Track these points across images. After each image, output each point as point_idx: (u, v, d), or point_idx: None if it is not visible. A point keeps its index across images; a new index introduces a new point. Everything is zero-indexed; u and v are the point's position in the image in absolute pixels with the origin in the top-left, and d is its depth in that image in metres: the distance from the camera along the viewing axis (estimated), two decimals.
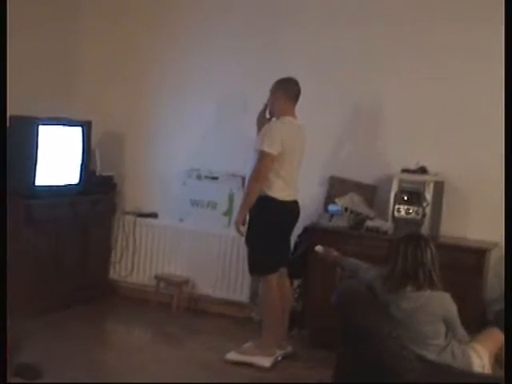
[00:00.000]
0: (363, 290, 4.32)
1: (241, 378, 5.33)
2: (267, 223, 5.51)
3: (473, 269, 5.65)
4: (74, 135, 6.50)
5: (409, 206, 5.88)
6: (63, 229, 6.42)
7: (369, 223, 6.02)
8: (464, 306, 4.31)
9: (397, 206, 5.92)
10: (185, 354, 5.78)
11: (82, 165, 6.58)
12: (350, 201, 6.19)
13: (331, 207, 6.18)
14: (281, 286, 5.68)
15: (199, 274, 6.83)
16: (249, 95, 6.56)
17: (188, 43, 6.93)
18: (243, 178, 5.98)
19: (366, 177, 6.33)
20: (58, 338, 5.76)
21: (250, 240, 5.60)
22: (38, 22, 6.66)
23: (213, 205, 6.77)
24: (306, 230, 6.18)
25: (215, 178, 6.73)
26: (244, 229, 5.55)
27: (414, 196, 5.88)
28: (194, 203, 6.85)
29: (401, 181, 5.93)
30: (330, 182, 6.41)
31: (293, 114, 5.62)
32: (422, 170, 5.97)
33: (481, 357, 4.22)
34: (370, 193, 6.32)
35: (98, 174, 6.86)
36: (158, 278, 6.87)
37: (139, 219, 7.04)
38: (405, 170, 6.00)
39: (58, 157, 6.37)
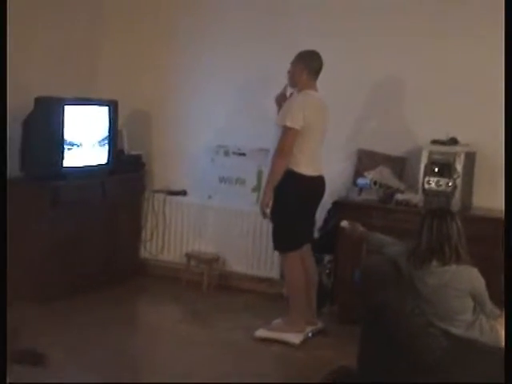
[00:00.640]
0: (386, 266, 4.25)
1: (269, 356, 5.31)
2: (291, 199, 5.43)
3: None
4: (100, 115, 6.48)
5: (439, 178, 5.78)
6: (92, 210, 6.42)
7: (399, 196, 5.93)
8: (494, 279, 4.20)
9: (427, 179, 5.81)
10: (214, 333, 5.76)
11: (110, 144, 6.56)
12: (379, 174, 6.10)
13: (360, 181, 6.11)
14: (304, 262, 5.62)
15: (229, 251, 6.82)
16: (272, 71, 6.45)
17: (211, 23, 6.88)
18: None
19: (395, 149, 6.24)
20: (87, 320, 5.76)
21: (274, 215, 5.52)
22: (65, 3, 6.64)
23: (241, 181, 6.73)
24: (335, 204, 6.11)
25: (243, 154, 6.67)
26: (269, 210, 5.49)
27: (444, 168, 5.77)
28: (223, 180, 6.81)
29: (431, 152, 5.82)
30: (358, 156, 6.33)
31: (314, 88, 5.53)
32: (453, 141, 5.85)
33: None
34: (400, 165, 6.22)
35: (126, 153, 6.84)
36: (189, 256, 6.85)
37: (168, 197, 7.02)
38: (435, 141, 5.88)
39: (85, 137, 6.34)
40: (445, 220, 4.13)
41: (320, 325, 5.76)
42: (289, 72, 5.57)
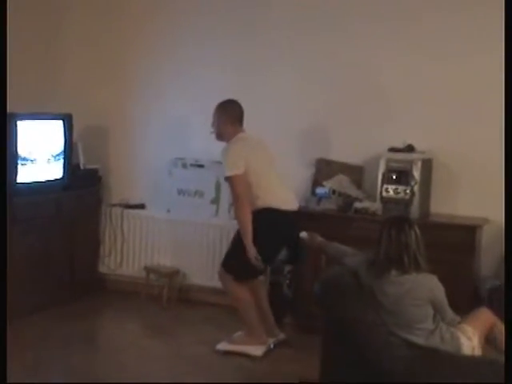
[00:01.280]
0: (347, 277, 4.22)
1: (232, 369, 5.27)
2: (261, 233, 5.36)
3: (465, 246, 5.59)
4: (54, 129, 6.39)
5: (397, 186, 5.79)
6: (49, 226, 6.33)
7: (357, 205, 5.94)
8: (456, 285, 4.24)
9: (385, 186, 5.83)
10: (177, 347, 5.70)
11: (64, 159, 6.47)
12: (338, 183, 6.11)
13: (319, 190, 6.11)
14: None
15: (189, 264, 6.76)
16: (229, 83, 6.53)
17: (169, 34, 6.84)
18: None
19: (353, 158, 6.24)
20: (44, 339, 5.69)
21: (238, 243, 5.45)
22: (21, 13, 6.54)
23: (200, 193, 6.67)
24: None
25: (201, 166, 6.62)
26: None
27: (402, 175, 5.79)
28: (181, 192, 6.75)
29: (388, 160, 5.83)
30: (316, 165, 6.32)
31: (241, 131, 5.55)
32: (410, 149, 5.87)
33: (470, 338, 4.10)
34: (358, 174, 6.23)
35: (82, 167, 6.75)
36: (148, 270, 6.79)
37: (126, 211, 6.95)
38: (392, 149, 5.89)
39: (39, 152, 6.25)
40: (403, 229, 4.12)
41: (281, 336, 5.73)
42: (212, 124, 5.57)
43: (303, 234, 5.02)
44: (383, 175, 5.83)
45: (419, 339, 4.03)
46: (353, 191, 6.07)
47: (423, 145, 5.89)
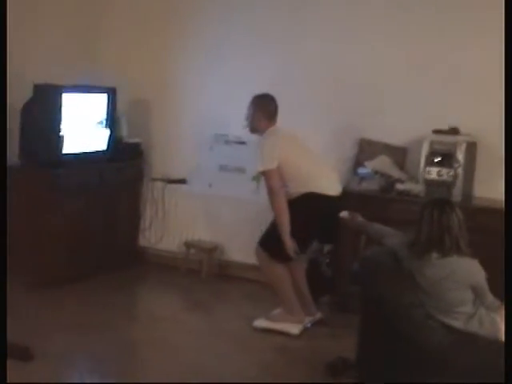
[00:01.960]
0: (386, 257, 4.20)
1: (269, 346, 5.28)
2: (302, 219, 5.36)
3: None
4: (99, 102, 6.45)
5: (440, 168, 5.74)
6: (91, 197, 6.40)
7: (399, 186, 5.90)
8: (495, 270, 4.14)
9: (428, 169, 5.78)
10: (213, 322, 5.74)
11: (109, 132, 6.52)
12: (380, 163, 6.06)
13: (361, 170, 6.08)
14: None
15: (228, 240, 6.81)
16: (271, 62, 6.57)
17: (211, 12, 6.84)
18: None
19: (396, 139, 6.19)
20: (84, 307, 5.76)
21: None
22: None
23: (241, 170, 6.69)
24: None
25: (243, 143, 6.63)
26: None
27: (445, 157, 5.74)
28: (223, 168, 6.78)
29: (432, 142, 5.78)
30: (359, 145, 6.28)
31: (274, 125, 5.55)
32: (454, 131, 5.81)
33: None
34: (401, 155, 6.18)
35: (124, 140, 6.80)
36: (188, 245, 6.83)
37: (168, 186, 6.99)
38: (436, 131, 5.83)
39: (84, 124, 6.31)
40: (445, 211, 4.08)
41: (319, 315, 5.73)
42: (247, 118, 5.59)
43: (344, 214, 5.01)
44: (426, 157, 5.78)
45: (457, 323, 4.00)
46: (395, 172, 6.03)
47: (468, 127, 5.82)
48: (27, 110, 5.97)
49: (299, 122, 6.17)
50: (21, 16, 5.91)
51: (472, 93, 5.96)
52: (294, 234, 5.36)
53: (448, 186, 5.70)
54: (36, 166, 6.04)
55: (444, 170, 5.72)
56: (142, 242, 7.12)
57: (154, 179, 7.04)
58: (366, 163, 6.06)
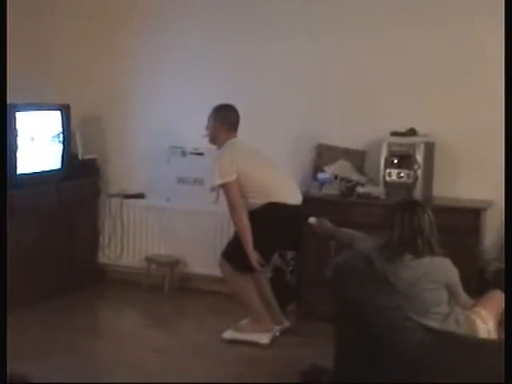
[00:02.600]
0: (358, 261, 4.17)
1: (239, 357, 5.23)
2: (265, 230, 5.35)
3: (469, 229, 5.58)
4: (53, 119, 6.35)
5: (400, 170, 5.77)
6: (48, 216, 6.30)
7: (360, 189, 5.91)
8: (461, 268, 4.17)
9: (388, 171, 5.80)
10: (180, 336, 5.67)
11: (63, 149, 6.43)
12: (340, 168, 6.07)
13: (321, 175, 6.07)
14: None
15: (190, 253, 6.73)
16: (228, 70, 6.56)
17: (163, 22, 6.77)
18: None
19: (355, 142, 6.20)
20: (46, 331, 5.64)
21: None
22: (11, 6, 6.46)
23: (200, 181, 6.64)
24: None
25: (200, 154, 6.58)
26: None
27: (404, 159, 5.76)
28: (181, 181, 6.72)
29: (390, 144, 5.81)
30: (318, 150, 6.27)
31: (235, 136, 5.54)
32: (412, 132, 5.84)
33: (485, 321, 4.09)
34: (360, 158, 6.19)
35: (80, 157, 6.70)
36: (149, 260, 6.74)
37: (125, 201, 6.91)
38: (394, 133, 5.86)
39: (38, 142, 6.20)
40: (416, 212, 4.08)
41: (287, 323, 5.70)
42: (207, 128, 5.56)
43: (312, 220, 4.99)
44: (386, 159, 5.80)
45: (435, 323, 3.99)
46: (355, 176, 6.04)
47: (425, 128, 5.86)
48: None
49: (257, 129, 6.17)
50: None
51: (429, 93, 6.00)
52: (258, 245, 5.34)
53: (408, 187, 5.73)
54: None
55: (404, 172, 5.75)
56: (102, 259, 7.01)
57: (111, 195, 6.95)
58: (326, 168, 6.06)
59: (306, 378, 4.73)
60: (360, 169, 6.14)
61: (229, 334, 5.51)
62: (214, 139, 5.57)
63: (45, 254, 6.27)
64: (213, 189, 6.36)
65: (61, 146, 6.40)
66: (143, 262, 6.77)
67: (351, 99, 6.23)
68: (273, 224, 5.37)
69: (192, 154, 6.62)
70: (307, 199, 5.79)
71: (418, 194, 5.69)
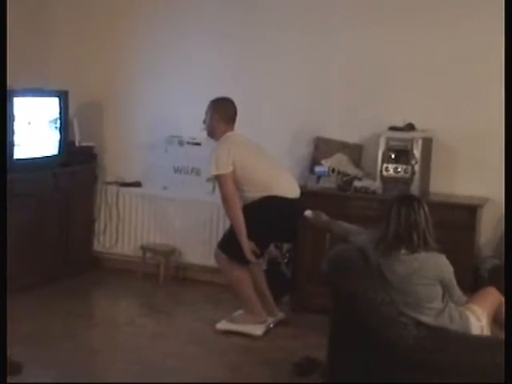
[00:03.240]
0: (354, 255, 4.18)
1: (232, 348, 5.24)
2: (261, 222, 5.36)
3: (465, 226, 5.58)
4: (51, 105, 6.34)
5: (397, 165, 5.77)
6: (44, 203, 6.28)
7: (357, 183, 5.90)
8: (456, 264, 4.16)
9: (385, 165, 5.80)
10: (174, 325, 5.68)
11: (60, 136, 6.42)
12: (337, 161, 6.07)
13: (318, 169, 6.06)
14: None
15: (185, 242, 6.72)
16: (227, 63, 6.54)
17: (166, 12, 6.74)
18: None
19: (352, 136, 6.20)
20: (40, 316, 5.63)
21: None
22: None
23: (196, 171, 6.64)
24: None
25: (197, 144, 6.57)
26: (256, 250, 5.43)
27: (402, 154, 5.76)
28: (177, 170, 6.72)
29: (388, 139, 5.80)
30: (315, 143, 6.27)
31: (232, 130, 5.53)
32: (410, 127, 5.84)
33: (479, 318, 4.09)
34: (357, 152, 6.19)
35: (77, 144, 6.69)
36: (144, 248, 6.74)
37: (122, 189, 6.89)
38: (392, 128, 5.85)
39: (35, 128, 6.19)
40: (412, 207, 4.07)
41: (281, 315, 5.71)
42: (204, 122, 5.55)
43: (308, 213, 4.97)
44: (383, 154, 5.80)
45: (428, 318, 3.99)
46: (352, 170, 6.03)
47: (423, 123, 5.86)
48: None
49: (254, 122, 6.20)
50: None
51: (427, 89, 6.00)
52: (253, 236, 5.35)
53: (405, 182, 5.73)
54: None
55: (401, 167, 5.74)
56: (97, 247, 7.01)
57: (108, 183, 6.94)
58: (323, 161, 6.05)
59: (299, 370, 4.75)
60: (357, 163, 6.14)
61: (223, 325, 5.52)
62: (212, 133, 5.56)
63: (40, 240, 6.25)
64: (209, 179, 6.38)
65: (58, 133, 6.38)
66: (138, 251, 6.77)
67: (349, 93, 6.23)
68: (269, 216, 5.37)
69: (189, 143, 6.62)
70: (304, 192, 5.78)
71: (414, 189, 5.68)
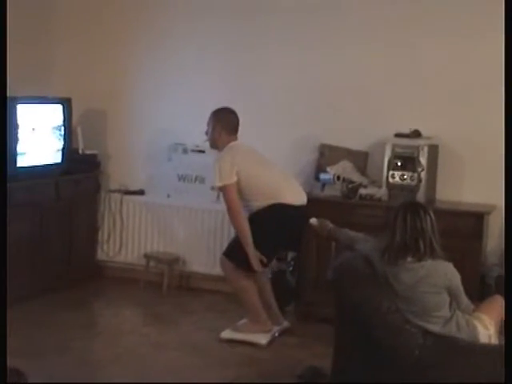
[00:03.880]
0: (360, 263, 4.13)
1: (237, 357, 5.18)
2: (268, 230, 5.32)
3: (472, 233, 5.53)
4: (54, 113, 6.30)
5: (403, 172, 5.72)
6: (47, 211, 6.24)
7: (362, 191, 5.86)
8: (463, 273, 4.12)
9: (391, 172, 5.76)
10: (178, 335, 5.62)
11: (63, 143, 6.38)
12: (342, 169, 6.02)
13: (323, 176, 6.02)
14: None
15: (189, 251, 6.68)
16: (231, 70, 6.53)
17: (169, 21, 6.72)
18: None
19: (357, 143, 6.15)
20: (42, 327, 5.58)
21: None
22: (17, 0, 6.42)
23: (201, 179, 6.59)
24: None
25: (201, 152, 6.52)
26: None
27: (408, 161, 5.72)
28: (181, 178, 6.67)
29: (394, 146, 5.76)
30: (320, 150, 6.22)
31: (235, 140, 5.48)
32: (416, 134, 5.79)
33: (486, 326, 4.04)
34: (362, 160, 6.14)
35: (80, 152, 6.65)
36: (148, 257, 6.69)
37: (126, 197, 6.85)
38: (398, 135, 5.81)
39: (38, 136, 6.15)
40: (418, 214, 4.02)
41: (286, 324, 5.66)
42: (207, 133, 5.51)
43: (313, 221, 4.92)
44: (389, 161, 5.75)
45: (435, 327, 3.94)
46: (357, 177, 5.99)
47: (429, 130, 5.81)
48: None
49: (259, 129, 6.18)
50: None
51: (433, 95, 5.96)
52: (260, 245, 5.29)
53: (411, 189, 5.69)
54: None
55: (407, 174, 5.70)
56: (101, 255, 6.96)
57: (112, 191, 6.90)
58: (328, 169, 6.00)
59: (303, 380, 4.69)
60: (362, 170, 6.10)
61: (227, 334, 5.46)
62: (214, 143, 5.51)
63: (42, 249, 6.21)
64: (214, 187, 6.32)
65: (61, 140, 6.35)
66: (142, 259, 6.72)
67: (354, 99, 6.19)
68: (276, 224, 5.33)
69: (193, 151, 6.58)
70: (309, 200, 5.72)
71: (421, 196, 5.64)
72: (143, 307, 6.33)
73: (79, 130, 6.63)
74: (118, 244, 6.92)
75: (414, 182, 5.68)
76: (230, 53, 6.52)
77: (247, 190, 5.32)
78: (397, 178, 5.73)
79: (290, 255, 6.09)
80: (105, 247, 6.96)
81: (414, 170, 5.67)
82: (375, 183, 5.94)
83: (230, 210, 5.31)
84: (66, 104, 6.33)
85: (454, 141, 5.86)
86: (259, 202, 5.34)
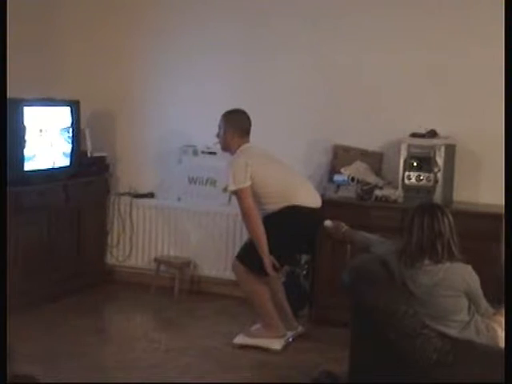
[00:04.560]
0: (376, 265, 4.02)
1: (251, 363, 5.07)
2: (282, 233, 5.20)
3: (490, 235, 5.38)
4: (62, 115, 6.21)
5: (419, 173, 5.61)
6: (55, 215, 6.16)
7: (377, 192, 5.74)
8: (482, 275, 4.00)
9: (407, 173, 5.64)
10: (190, 340, 5.50)
11: (72, 146, 6.29)
12: (357, 170, 5.91)
13: (337, 177, 5.91)
14: None
15: (201, 255, 6.58)
16: (240, 72, 6.45)
17: (180, 23, 6.64)
18: None
19: (372, 144, 6.05)
20: (54, 332, 5.50)
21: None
22: (23, 2, 6.34)
23: (212, 181, 6.51)
24: None
25: (213, 153, 6.40)
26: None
27: (424, 161, 5.61)
28: (192, 181, 6.58)
29: (410, 146, 5.64)
30: (334, 151, 6.11)
31: (247, 142, 5.36)
32: (432, 134, 5.67)
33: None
34: (377, 160, 6.04)
35: (89, 155, 6.56)
36: (158, 261, 6.59)
37: (135, 200, 6.76)
38: (413, 135, 5.69)
39: (47, 138, 6.06)
40: (436, 216, 3.91)
41: (300, 328, 5.55)
42: (218, 135, 5.40)
43: (327, 223, 4.81)
44: (405, 162, 5.64)
45: (453, 331, 3.82)
46: (372, 178, 5.87)
47: (446, 129, 5.70)
48: None
49: (271, 131, 6.09)
50: None
51: (449, 94, 5.85)
52: (274, 249, 5.17)
53: (428, 190, 5.58)
54: None
55: (423, 175, 5.59)
56: (110, 259, 6.88)
57: (121, 194, 6.82)
58: (342, 170, 5.89)
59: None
60: (377, 171, 5.99)
61: (240, 339, 5.35)
62: (227, 146, 5.39)
63: (51, 253, 6.13)
64: (225, 189, 6.21)
65: (70, 143, 6.26)
66: (152, 264, 6.63)
67: (368, 99, 6.08)
68: (290, 228, 5.22)
69: (204, 153, 6.48)
70: (323, 202, 5.61)
71: (437, 197, 5.52)
72: (155, 312, 6.24)
73: (87, 132, 6.56)
74: (127, 248, 6.83)
75: (431, 183, 5.56)
76: (241, 55, 6.44)
77: (261, 192, 5.20)
78: (413, 179, 5.61)
79: (304, 258, 5.98)
80: (114, 251, 6.88)
81: (430, 171, 5.56)
82: (391, 184, 5.83)
83: (246, 214, 5.18)
84: (74, 106, 6.25)
85: (471, 140, 5.75)
86: (273, 205, 5.22)
